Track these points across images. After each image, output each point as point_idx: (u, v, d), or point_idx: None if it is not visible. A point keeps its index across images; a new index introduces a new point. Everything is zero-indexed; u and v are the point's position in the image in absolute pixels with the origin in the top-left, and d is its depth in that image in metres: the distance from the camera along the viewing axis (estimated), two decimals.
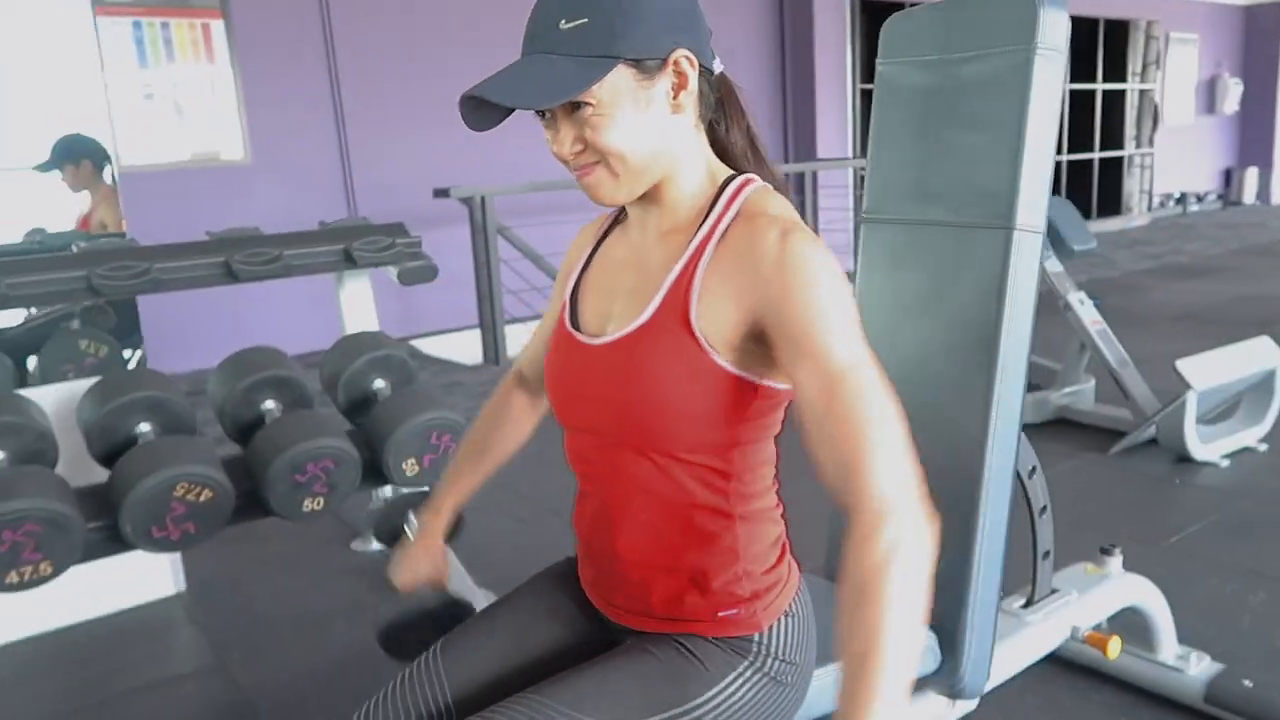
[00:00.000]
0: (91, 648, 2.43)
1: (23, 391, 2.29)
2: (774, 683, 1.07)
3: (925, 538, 0.86)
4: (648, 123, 0.97)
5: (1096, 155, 10.89)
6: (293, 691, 2.18)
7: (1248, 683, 1.89)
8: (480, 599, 2.51)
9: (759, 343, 0.97)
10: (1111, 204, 11.12)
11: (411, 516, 1.40)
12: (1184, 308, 6.19)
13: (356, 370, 2.43)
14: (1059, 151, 10.36)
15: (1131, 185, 11.20)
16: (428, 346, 5.98)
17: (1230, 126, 12.80)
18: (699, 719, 1.02)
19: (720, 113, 1.06)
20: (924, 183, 1.47)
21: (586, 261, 1.16)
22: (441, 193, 5.20)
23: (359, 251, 2.49)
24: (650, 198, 1.04)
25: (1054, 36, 1.34)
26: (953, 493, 1.40)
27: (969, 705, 1.51)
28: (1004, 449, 1.38)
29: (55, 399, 2.35)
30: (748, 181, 1.04)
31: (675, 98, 0.98)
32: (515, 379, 1.36)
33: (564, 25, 0.94)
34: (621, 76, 0.95)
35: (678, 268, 1.00)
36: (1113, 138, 11.07)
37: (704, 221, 1.01)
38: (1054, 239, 3.90)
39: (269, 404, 2.30)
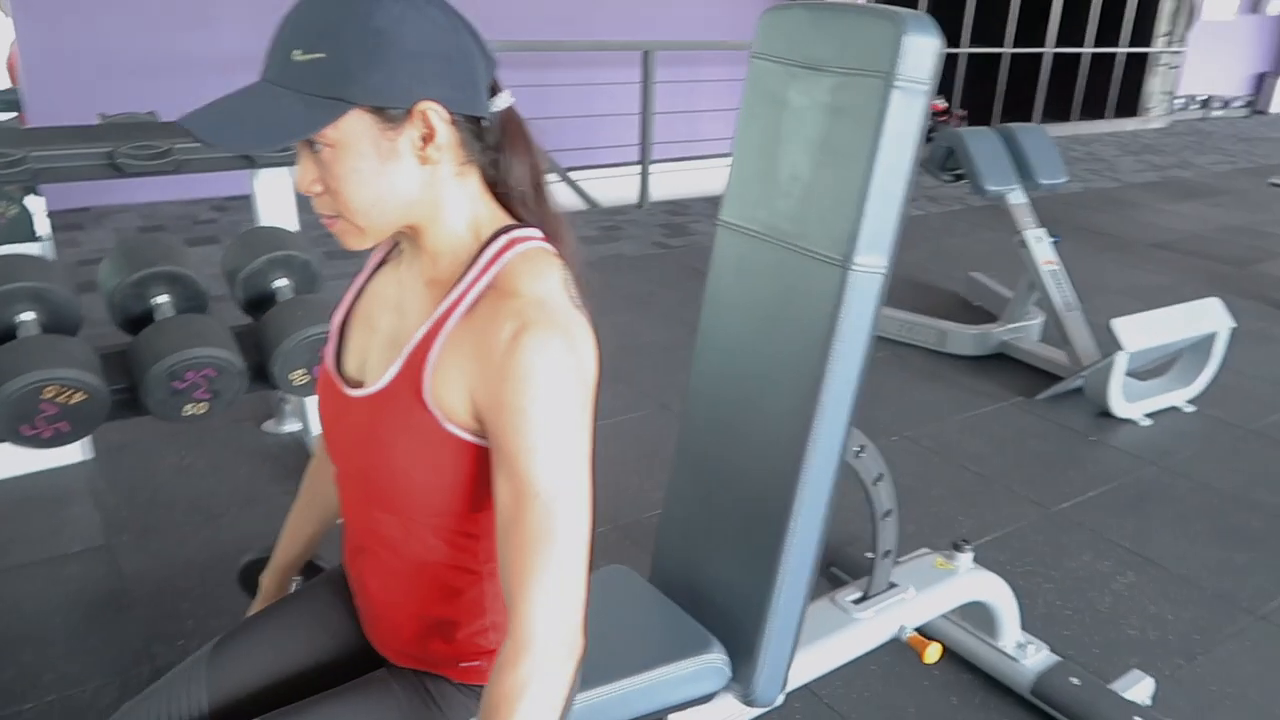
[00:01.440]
0: None
1: None
2: None
3: (561, 677, 0.89)
4: (392, 174, 0.90)
5: (1123, 50, 10.39)
6: (170, 585, 2.24)
7: (1075, 680, 1.94)
8: None
9: None
10: (1130, 103, 10.70)
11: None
12: (1169, 233, 6.06)
13: (256, 268, 2.39)
14: (1081, 44, 9.91)
15: (1154, 85, 10.74)
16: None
17: (1272, 29, 12.18)
18: None
19: (499, 153, 0.97)
20: (774, 198, 1.39)
21: (362, 288, 1.11)
22: None
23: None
24: (412, 239, 0.99)
25: (916, 68, 1.23)
26: (764, 515, 1.41)
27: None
28: (819, 480, 1.37)
29: None
30: (513, 242, 0.95)
31: (423, 149, 0.90)
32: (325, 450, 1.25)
33: (298, 56, 0.85)
34: (361, 122, 0.87)
35: (421, 332, 0.94)
36: (1143, 33, 10.54)
37: (459, 282, 0.94)
38: (1022, 170, 3.79)
39: (160, 299, 2.26)
